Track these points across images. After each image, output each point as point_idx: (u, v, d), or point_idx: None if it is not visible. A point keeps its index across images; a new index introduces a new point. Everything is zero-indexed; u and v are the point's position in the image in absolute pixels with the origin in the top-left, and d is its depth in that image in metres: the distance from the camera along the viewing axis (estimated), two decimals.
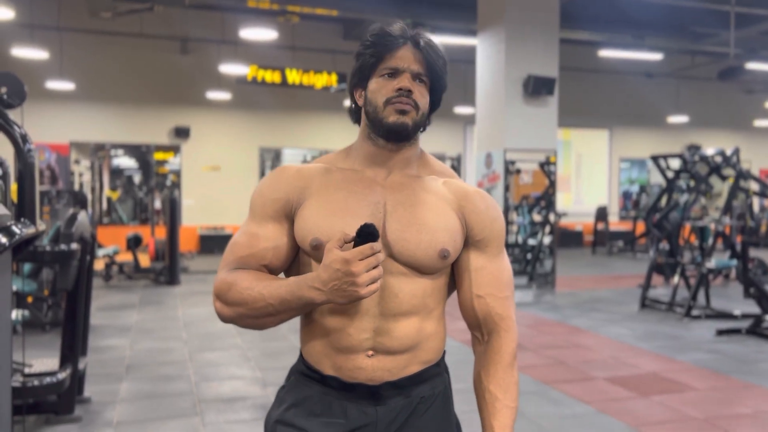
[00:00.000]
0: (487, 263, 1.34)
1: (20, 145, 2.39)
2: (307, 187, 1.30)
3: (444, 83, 1.31)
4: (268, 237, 1.30)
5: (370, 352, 1.26)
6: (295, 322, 1.41)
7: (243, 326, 1.29)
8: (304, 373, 1.33)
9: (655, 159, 7.93)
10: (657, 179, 14.85)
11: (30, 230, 2.25)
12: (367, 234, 1.14)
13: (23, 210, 2.41)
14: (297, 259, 1.33)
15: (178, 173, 13.24)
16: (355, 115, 1.35)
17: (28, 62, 10.39)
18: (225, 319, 1.28)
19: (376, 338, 1.26)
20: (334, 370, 1.28)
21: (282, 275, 1.35)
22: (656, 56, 12.82)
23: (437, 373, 1.35)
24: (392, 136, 1.27)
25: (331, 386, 1.29)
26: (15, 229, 2.09)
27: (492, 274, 1.34)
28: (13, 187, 3.47)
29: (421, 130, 1.32)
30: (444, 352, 1.38)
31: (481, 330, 1.37)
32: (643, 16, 10.65)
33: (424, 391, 1.32)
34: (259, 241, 1.30)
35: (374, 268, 1.14)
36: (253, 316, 1.24)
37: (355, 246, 1.14)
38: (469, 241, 1.33)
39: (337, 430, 1.27)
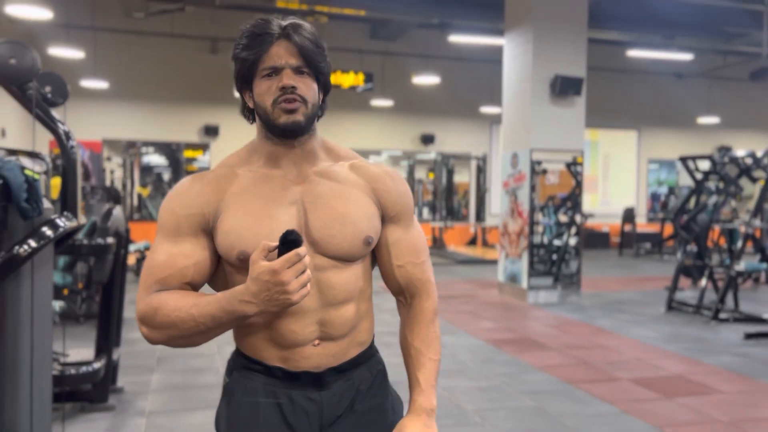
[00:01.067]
0: (403, 234, 1.40)
1: (64, 142, 2.50)
2: (220, 198, 1.29)
3: (325, 68, 1.29)
4: (187, 254, 1.27)
5: (317, 342, 1.30)
6: None
7: (174, 346, 1.27)
8: (246, 366, 1.34)
9: (683, 160, 7.85)
10: (686, 181, 14.66)
11: (72, 223, 2.36)
12: (290, 241, 1.14)
13: (66, 204, 2.52)
14: (221, 269, 1.33)
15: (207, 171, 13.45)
16: (249, 115, 1.33)
17: (65, 61, 10.65)
18: (154, 342, 1.26)
19: (321, 328, 1.30)
20: (280, 361, 1.31)
21: (206, 285, 1.35)
22: (686, 56, 12.67)
23: (371, 354, 1.42)
24: (288, 134, 1.27)
25: (276, 376, 1.31)
26: (59, 222, 2.19)
27: (408, 243, 1.40)
28: (53, 182, 3.60)
29: (318, 117, 1.32)
30: (374, 335, 1.44)
31: (404, 294, 1.43)
32: (673, 15, 10.53)
33: (363, 374, 1.38)
34: (177, 260, 1.27)
35: (302, 273, 1.15)
36: (184, 337, 1.23)
37: (279, 254, 1.14)
38: (384, 218, 1.38)
39: (285, 420, 1.30)
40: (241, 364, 1.36)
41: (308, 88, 1.26)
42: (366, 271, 1.38)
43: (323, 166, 1.34)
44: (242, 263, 1.24)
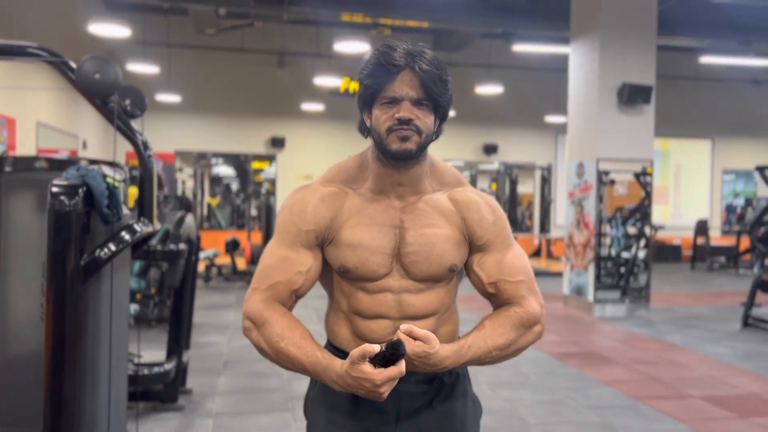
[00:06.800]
0: (491, 258, 1.43)
1: (141, 151, 2.64)
2: (333, 216, 1.40)
3: (445, 101, 1.34)
4: (301, 262, 1.39)
5: None
6: None
7: (259, 353, 1.38)
8: (332, 355, 1.43)
9: (761, 170, 7.51)
10: (765, 192, 14.00)
11: (148, 229, 2.48)
12: (394, 353, 1.17)
13: (143, 210, 2.66)
14: (328, 270, 1.45)
15: (273, 182, 13.78)
16: (365, 131, 1.40)
17: (141, 76, 11.17)
18: (247, 336, 1.37)
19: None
20: None
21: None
22: (765, 62, 12.13)
23: None
24: (398, 160, 1.34)
25: None
26: (136, 227, 2.31)
27: (499, 264, 1.43)
28: (129, 191, 3.79)
29: (432, 141, 1.37)
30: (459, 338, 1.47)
31: (494, 304, 1.48)
32: (749, 20, 10.12)
33: (444, 373, 1.42)
34: (292, 266, 1.39)
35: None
36: (271, 358, 1.35)
37: (382, 356, 1.18)
38: (474, 246, 1.43)
39: (364, 407, 1.39)
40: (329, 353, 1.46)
41: (424, 119, 1.32)
42: (450, 289, 1.45)
43: (425, 192, 1.42)
44: (342, 275, 1.40)
